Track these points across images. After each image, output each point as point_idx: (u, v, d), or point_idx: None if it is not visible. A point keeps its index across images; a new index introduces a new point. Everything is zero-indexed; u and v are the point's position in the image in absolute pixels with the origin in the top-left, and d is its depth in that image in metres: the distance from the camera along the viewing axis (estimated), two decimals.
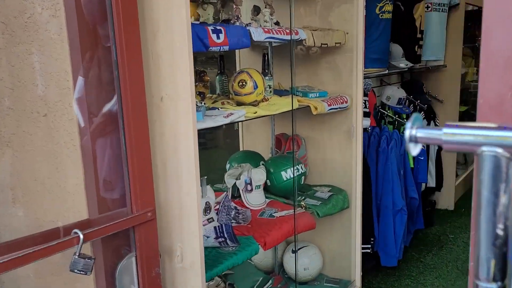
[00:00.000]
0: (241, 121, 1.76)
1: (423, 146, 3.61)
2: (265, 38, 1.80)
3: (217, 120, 1.64)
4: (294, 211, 2.12)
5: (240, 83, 1.96)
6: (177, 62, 1.41)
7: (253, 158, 2.51)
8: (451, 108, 4.23)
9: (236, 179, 2.32)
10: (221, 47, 1.59)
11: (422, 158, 3.52)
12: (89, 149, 1.36)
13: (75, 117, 1.35)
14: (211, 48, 1.55)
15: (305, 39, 2.02)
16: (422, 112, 3.92)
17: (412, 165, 3.49)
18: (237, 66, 2.86)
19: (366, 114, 2.81)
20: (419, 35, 3.62)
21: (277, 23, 2.22)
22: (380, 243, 3.17)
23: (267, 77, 2.12)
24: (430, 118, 4.00)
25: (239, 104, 2.01)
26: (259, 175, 2.31)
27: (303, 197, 2.42)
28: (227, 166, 2.53)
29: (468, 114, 5.06)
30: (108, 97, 1.35)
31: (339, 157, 2.57)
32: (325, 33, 2.18)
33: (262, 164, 2.46)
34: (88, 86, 1.33)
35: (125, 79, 1.28)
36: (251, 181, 2.28)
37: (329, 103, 2.22)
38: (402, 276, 3.20)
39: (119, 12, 1.24)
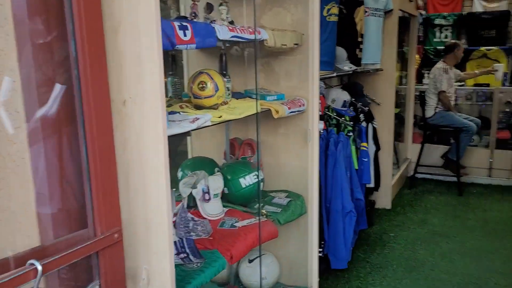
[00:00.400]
0: (207, 126, 1.61)
1: (365, 147, 3.68)
2: (231, 37, 1.67)
3: (183, 126, 1.48)
4: (259, 220, 2.02)
5: (200, 85, 1.82)
6: (145, 60, 1.24)
7: (207, 165, 2.36)
8: (388, 110, 4.38)
9: (192, 187, 2.16)
10: (188, 46, 1.44)
11: (366, 160, 3.57)
12: (41, 161, 1.15)
13: (23, 125, 1.14)
14: (177, 46, 1.39)
15: (266, 39, 1.93)
16: (362, 115, 3.99)
17: (356, 167, 3.53)
18: (184, 67, 2.70)
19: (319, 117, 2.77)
20: (359, 39, 3.69)
21: (231, 22, 2.10)
22: (330, 247, 3.16)
23: (225, 79, 1.99)
24: (369, 120, 4.10)
25: (198, 107, 1.86)
26: (216, 183, 2.18)
27: (262, 204, 2.32)
28: (179, 173, 2.36)
29: (399, 116, 5.29)
30: (64, 99, 1.15)
31: (294, 161, 2.50)
32: (283, 33, 2.10)
33: (218, 171, 2.33)
34: (39, 86, 1.12)
35: (87, 78, 1.10)
36: (208, 189, 2.13)
37: (289, 106, 2.15)
38: (351, 278, 3.22)
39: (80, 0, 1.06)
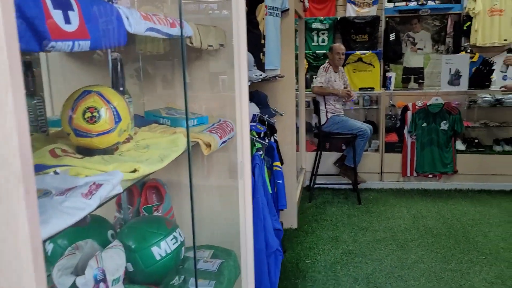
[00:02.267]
0: (116, 195, 0.87)
1: (279, 167, 3.16)
2: (146, 30, 0.95)
3: (70, 209, 0.72)
4: None
5: (89, 114, 1.05)
6: None
7: (95, 228, 1.56)
8: (289, 121, 3.95)
9: (75, 274, 1.35)
10: (75, 43, 0.69)
11: (281, 182, 3.06)
12: None
13: None
14: (53, 43, 0.64)
15: (191, 37, 1.24)
16: (265, 127, 3.48)
17: (270, 191, 2.99)
18: (43, 81, 1.83)
19: None
20: (263, 41, 3.16)
21: None
22: None
23: (126, 100, 1.24)
24: (271, 134, 3.60)
25: (85, 151, 1.09)
26: (115, 261, 1.39)
27: (184, 277, 1.61)
28: (49, 248, 1.51)
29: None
30: None
31: (219, 206, 1.84)
32: (207, 29, 1.43)
33: (112, 236, 1.55)
34: None
35: None
36: (104, 274, 1.35)
37: (219, 135, 1.48)
38: None
39: None
